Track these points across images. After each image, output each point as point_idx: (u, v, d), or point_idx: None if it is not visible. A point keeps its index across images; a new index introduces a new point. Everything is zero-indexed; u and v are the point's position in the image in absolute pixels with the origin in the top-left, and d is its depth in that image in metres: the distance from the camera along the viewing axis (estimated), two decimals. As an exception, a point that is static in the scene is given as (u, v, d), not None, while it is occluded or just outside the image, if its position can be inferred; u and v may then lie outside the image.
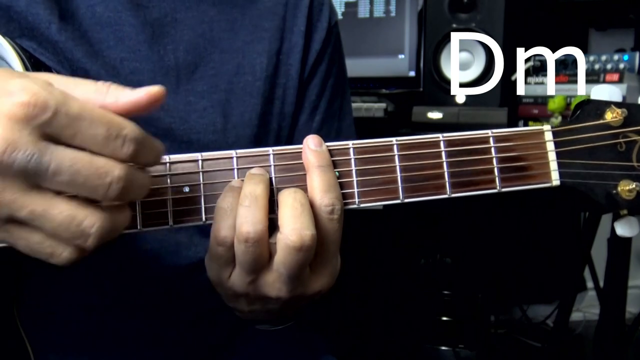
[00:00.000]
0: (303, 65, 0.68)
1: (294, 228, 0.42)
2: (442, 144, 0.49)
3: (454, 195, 0.49)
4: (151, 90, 0.38)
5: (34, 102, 0.33)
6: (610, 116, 0.49)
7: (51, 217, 0.35)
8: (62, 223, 0.35)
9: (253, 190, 0.44)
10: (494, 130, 0.49)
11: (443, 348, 1.60)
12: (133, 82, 0.58)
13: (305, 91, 0.69)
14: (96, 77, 0.57)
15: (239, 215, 0.43)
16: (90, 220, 0.36)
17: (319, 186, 0.45)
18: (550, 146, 0.50)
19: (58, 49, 0.57)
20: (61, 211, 0.35)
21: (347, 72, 0.77)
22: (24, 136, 0.33)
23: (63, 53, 0.57)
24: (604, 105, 0.50)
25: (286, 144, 0.66)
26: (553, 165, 0.49)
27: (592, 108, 0.50)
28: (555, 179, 0.50)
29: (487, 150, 0.49)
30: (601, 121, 0.50)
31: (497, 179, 0.49)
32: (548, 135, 0.50)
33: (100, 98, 0.38)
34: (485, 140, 0.49)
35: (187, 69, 0.62)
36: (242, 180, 0.46)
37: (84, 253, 0.37)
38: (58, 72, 0.56)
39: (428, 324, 1.62)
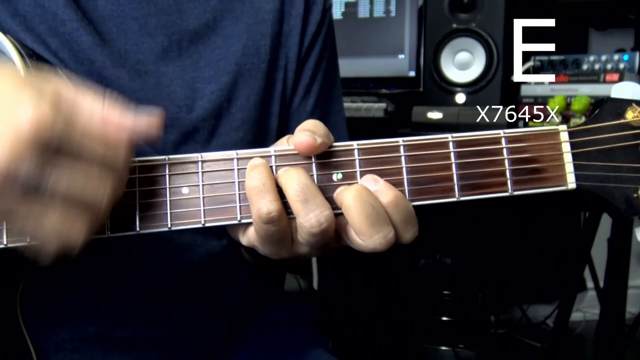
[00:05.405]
0: (300, 47, 0.68)
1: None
2: (451, 144, 0.47)
3: (463, 198, 0.47)
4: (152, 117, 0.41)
5: (43, 121, 0.35)
6: (631, 115, 0.46)
7: (42, 225, 0.38)
8: (54, 228, 0.38)
9: (301, 180, 0.43)
10: (506, 131, 0.47)
11: (443, 348, 1.60)
12: (140, 72, 0.60)
13: (300, 73, 0.69)
14: (102, 66, 0.58)
15: (307, 209, 0.43)
16: (77, 228, 0.38)
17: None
18: (566, 147, 0.47)
19: (64, 40, 0.56)
20: (52, 219, 0.37)
21: (337, 58, 0.77)
22: (29, 151, 0.35)
23: (68, 43, 0.57)
24: (625, 103, 0.47)
25: (283, 126, 0.67)
26: (569, 167, 0.47)
27: (612, 107, 0.47)
28: (571, 182, 0.47)
29: (498, 152, 0.47)
30: (622, 121, 0.47)
31: (509, 181, 0.47)
32: (564, 136, 0.47)
33: (105, 111, 0.39)
34: (497, 140, 0.47)
35: (191, 58, 0.62)
36: (261, 157, 0.45)
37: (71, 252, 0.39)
38: (63, 67, 0.55)
39: (428, 324, 1.61)
